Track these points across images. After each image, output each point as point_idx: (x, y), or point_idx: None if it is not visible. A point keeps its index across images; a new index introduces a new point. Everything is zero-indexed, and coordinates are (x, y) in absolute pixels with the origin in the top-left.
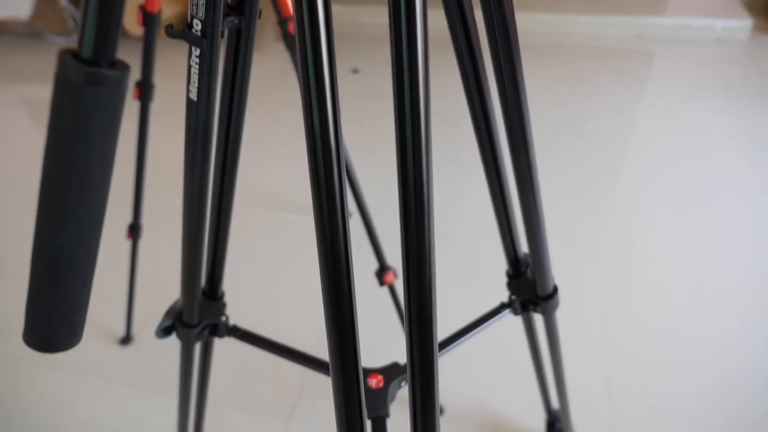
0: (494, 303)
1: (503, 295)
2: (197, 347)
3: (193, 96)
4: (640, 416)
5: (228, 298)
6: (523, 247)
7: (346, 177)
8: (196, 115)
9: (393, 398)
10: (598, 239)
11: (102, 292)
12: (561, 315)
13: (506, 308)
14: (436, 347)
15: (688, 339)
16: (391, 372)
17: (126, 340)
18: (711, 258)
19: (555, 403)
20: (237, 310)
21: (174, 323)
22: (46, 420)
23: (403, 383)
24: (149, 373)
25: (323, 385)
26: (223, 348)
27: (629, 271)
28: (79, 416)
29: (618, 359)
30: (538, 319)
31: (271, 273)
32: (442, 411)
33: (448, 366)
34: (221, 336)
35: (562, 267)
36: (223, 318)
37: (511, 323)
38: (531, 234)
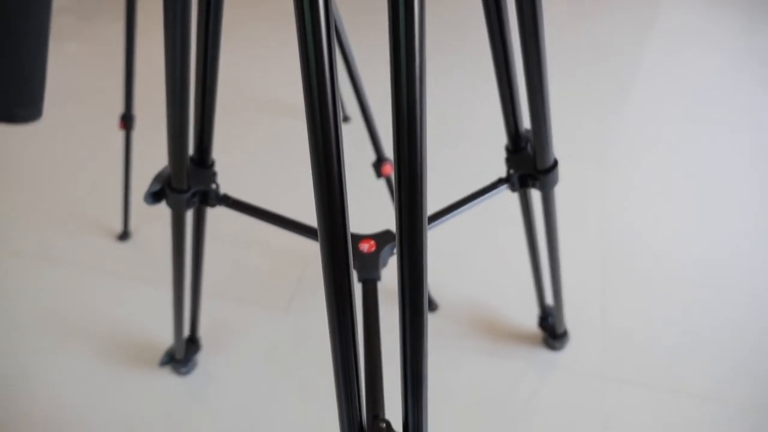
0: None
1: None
2: (189, 220)
3: None
4: (633, 318)
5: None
6: (525, 123)
7: (336, 65)
8: None
9: (385, 263)
10: (602, 151)
11: (97, 188)
12: (559, 220)
13: (504, 183)
14: (424, 213)
15: (686, 248)
16: (383, 238)
17: (124, 235)
18: (718, 175)
19: (549, 299)
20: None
21: (163, 188)
22: (44, 312)
23: (395, 250)
24: (148, 267)
25: (321, 280)
26: (220, 243)
27: (632, 183)
28: (78, 308)
29: (614, 262)
30: (536, 207)
31: (272, 178)
32: (436, 308)
33: (442, 265)
34: (212, 205)
35: (563, 176)
36: (214, 186)
37: (507, 221)
38: (534, 102)
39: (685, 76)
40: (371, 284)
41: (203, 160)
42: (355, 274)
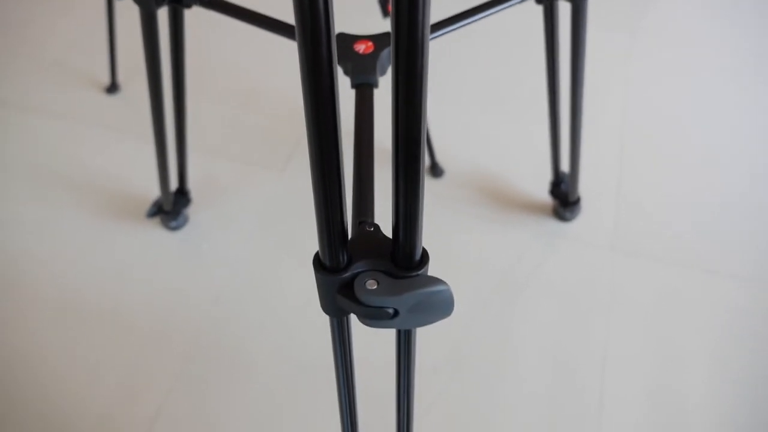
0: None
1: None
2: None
3: None
4: (648, 192)
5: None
6: None
7: None
8: None
9: (384, 71)
10: (635, 18)
11: (84, 37)
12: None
13: None
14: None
15: (708, 127)
16: (382, 40)
17: (112, 88)
18: (750, 56)
19: (563, 165)
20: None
21: None
22: (31, 163)
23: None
24: (137, 121)
25: None
26: (218, 102)
27: (661, 55)
28: (65, 160)
29: (634, 134)
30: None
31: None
32: (441, 173)
33: (449, 130)
34: (188, 5)
35: (591, 42)
36: None
37: (520, 81)
38: None
39: None
40: (366, 89)
41: None
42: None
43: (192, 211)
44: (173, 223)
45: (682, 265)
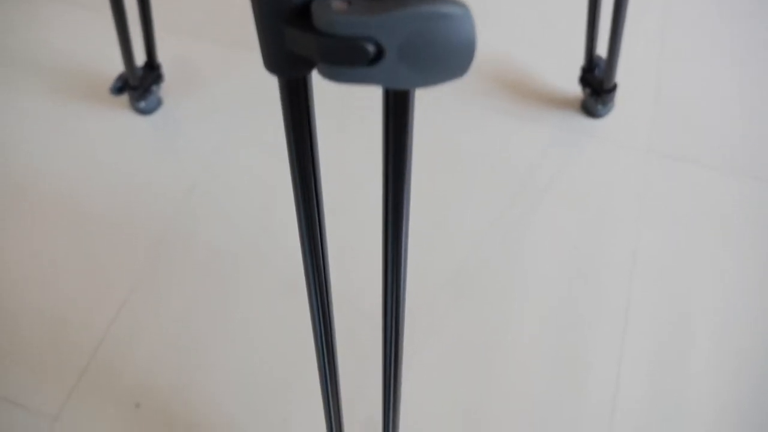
0: None
1: None
2: None
3: None
4: (689, 91)
5: None
6: None
7: None
8: None
9: None
10: None
11: None
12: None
13: None
14: None
15: (756, 23)
16: None
17: None
18: None
19: (600, 49)
20: None
21: None
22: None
23: None
24: None
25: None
26: None
27: None
28: (28, 39)
29: (676, 31)
30: None
31: None
32: None
33: None
34: None
35: None
36: None
37: None
38: None
39: None
40: None
41: None
42: None
43: (167, 96)
44: (142, 104)
45: (724, 171)
